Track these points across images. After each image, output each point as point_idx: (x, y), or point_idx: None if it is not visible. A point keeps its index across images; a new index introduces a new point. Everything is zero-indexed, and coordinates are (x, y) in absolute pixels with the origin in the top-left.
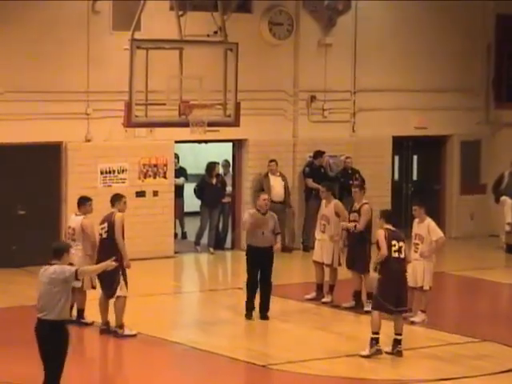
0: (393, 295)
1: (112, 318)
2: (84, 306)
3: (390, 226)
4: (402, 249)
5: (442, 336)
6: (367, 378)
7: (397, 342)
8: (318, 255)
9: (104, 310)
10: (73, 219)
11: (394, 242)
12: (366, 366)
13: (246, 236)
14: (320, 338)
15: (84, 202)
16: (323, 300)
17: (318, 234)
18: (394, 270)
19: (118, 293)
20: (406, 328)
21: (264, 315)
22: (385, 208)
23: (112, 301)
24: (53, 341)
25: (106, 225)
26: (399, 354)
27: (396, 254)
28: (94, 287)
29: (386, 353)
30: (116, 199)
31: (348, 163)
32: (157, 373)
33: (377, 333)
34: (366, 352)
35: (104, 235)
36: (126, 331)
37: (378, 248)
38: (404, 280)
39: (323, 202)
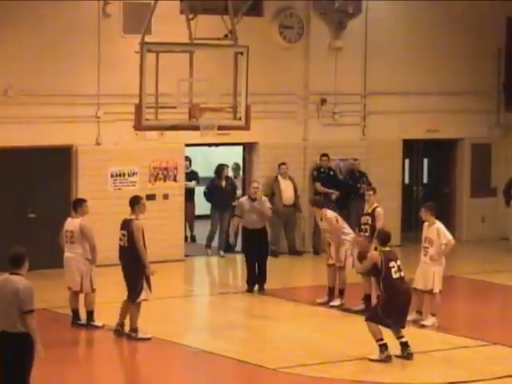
0: (395, 314)
1: (127, 322)
2: (93, 307)
3: (384, 248)
4: (400, 266)
5: (452, 339)
6: (378, 381)
7: (404, 345)
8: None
9: (123, 312)
10: (70, 222)
11: (392, 264)
12: (377, 370)
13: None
14: (331, 342)
15: (81, 204)
16: (331, 303)
17: (327, 248)
18: (401, 291)
19: (139, 298)
20: (416, 331)
21: (261, 287)
22: (382, 229)
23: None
24: (19, 354)
25: (125, 232)
26: (410, 356)
27: (397, 275)
28: (93, 290)
29: (396, 356)
30: (134, 202)
31: (355, 166)
32: (167, 376)
33: (381, 339)
34: (375, 357)
35: (126, 243)
36: (140, 335)
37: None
38: (409, 299)
39: (317, 216)
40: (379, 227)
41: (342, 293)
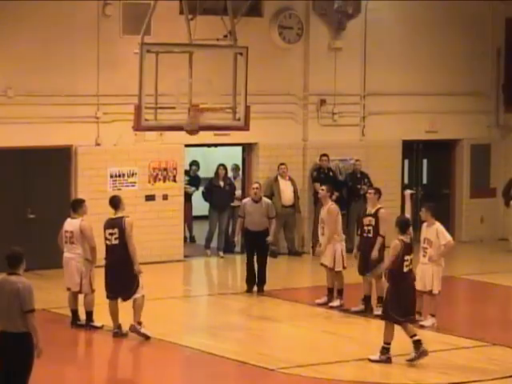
0: (402, 307)
1: (123, 320)
2: (92, 307)
3: (404, 237)
4: (411, 261)
5: (451, 340)
6: (377, 382)
7: (417, 343)
8: (323, 258)
9: (115, 314)
10: (69, 223)
11: (406, 257)
12: (376, 370)
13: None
14: (330, 342)
15: (80, 204)
16: (330, 304)
17: (320, 238)
18: (406, 283)
19: (137, 294)
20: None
21: (260, 288)
22: (401, 216)
23: (122, 304)
24: (19, 354)
25: (115, 230)
26: (425, 353)
27: (407, 269)
28: (93, 291)
29: (409, 360)
30: (119, 202)
31: (357, 167)
32: (166, 376)
33: (389, 344)
34: (376, 357)
35: (114, 241)
36: (143, 330)
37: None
38: (414, 291)
39: (324, 203)
40: (383, 229)
41: (340, 293)
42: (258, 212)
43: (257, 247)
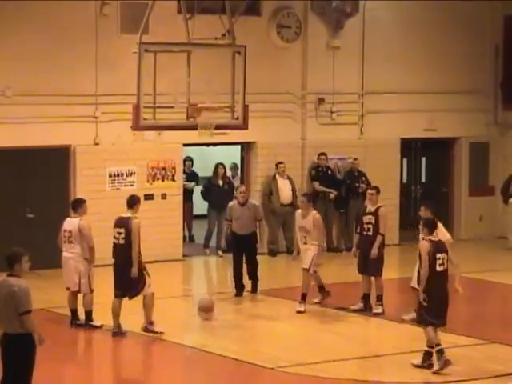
0: (437, 309)
1: (123, 320)
2: (91, 307)
3: (432, 237)
4: (445, 260)
5: (450, 338)
6: (375, 380)
7: (428, 355)
8: (305, 262)
9: (116, 313)
10: (68, 222)
11: (438, 256)
12: (376, 369)
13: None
14: (329, 341)
15: (81, 204)
16: (314, 300)
17: (301, 245)
18: (439, 284)
19: (145, 292)
20: (415, 330)
21: (254, 289)
22: (429, 217)
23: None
24: (20, 354)
25: (123, 230)
26: (431, 366)
27: (441, 268)
28: (92, 290)
29: (415, 366)
30: (133, 202)
31: (355, 165)
32: (166, 375)
33: (438, 344)
34: (436, 367)
35: (121, 241)
36: (156, 328)
37: (419, 259)
38: (447, 293)
39: (299, 212)
40: (381, 230)
41: (320, 290)
42: (245, 215)
43: (245, 250)
